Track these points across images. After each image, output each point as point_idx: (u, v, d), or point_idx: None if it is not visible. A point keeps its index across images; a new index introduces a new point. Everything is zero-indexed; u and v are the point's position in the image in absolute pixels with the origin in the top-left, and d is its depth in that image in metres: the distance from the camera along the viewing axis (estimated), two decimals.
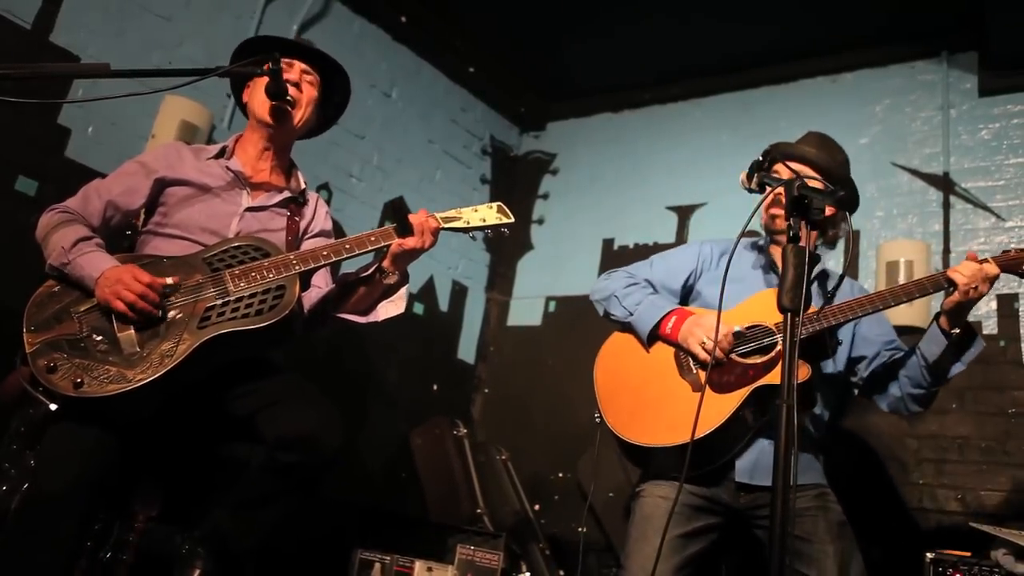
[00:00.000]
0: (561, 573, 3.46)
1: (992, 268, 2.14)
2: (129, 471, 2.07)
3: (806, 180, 1.73)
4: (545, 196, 5.10)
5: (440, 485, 3.82)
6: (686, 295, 2.55)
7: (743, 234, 1.81)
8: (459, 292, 4.75)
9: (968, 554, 2.46)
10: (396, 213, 2.15)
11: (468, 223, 2.28)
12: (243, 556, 2.05)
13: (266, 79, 2.19)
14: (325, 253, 2.13)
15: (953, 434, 3.32)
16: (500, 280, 4.99)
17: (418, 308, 4.46)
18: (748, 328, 2.28)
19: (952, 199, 3.70)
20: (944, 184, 3.74)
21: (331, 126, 2.58)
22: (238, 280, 2.05)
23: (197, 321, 1.97)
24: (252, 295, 2.03)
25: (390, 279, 2.23)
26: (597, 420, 2.37)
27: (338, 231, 3.19)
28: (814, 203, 1.67)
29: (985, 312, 3.46)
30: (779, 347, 2.21)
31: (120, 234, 2.27)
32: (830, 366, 2.35)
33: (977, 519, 2.93)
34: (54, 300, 1.98)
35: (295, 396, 2.12)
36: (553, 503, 4.15)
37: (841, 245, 3.73)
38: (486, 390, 4.78)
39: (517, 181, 5.21)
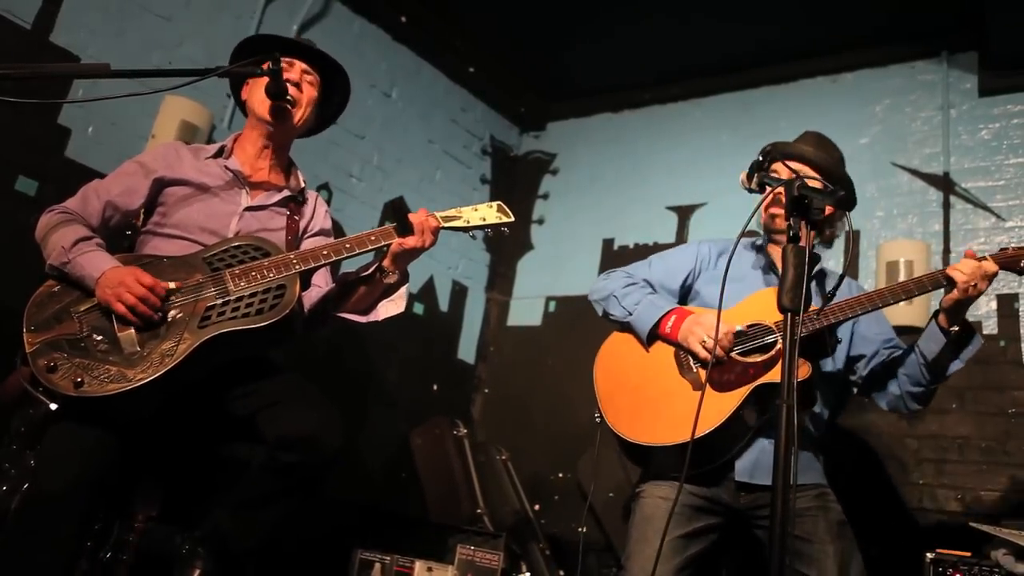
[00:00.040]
0: (561, 573, 3.46)
1: (991, 266, 2.14)
2: (129, 471, 2.07)
3: (806, 180, 1.73)
4: (545, 196, 5.10)
5: (440, 485, 3.82)
6: (684, 295, 2.56)
7: (743, 234, 1.81)
8: (459, 292, 4.75)
9: (968, 554, 2.45)
10: (396, 212, 2.15)
11: (468, 222, 2.28)
12: (243, 556, 2.05)
13: (266, 78, 2.19)
14: (325, 252, 2.13)
15: (953, 434, 3.32)
16: (500, 280, 4.99)
17: (418, 308, 4.46)
18: (748, 327, 2.28)
19: (952, 199, 3.71)
20: (944, 184, 3.74)
21: (329, 125, 2.58)
22: (238, 280, 2.05)
23: (197, 321, 1.97)
24: (252, 294, 2.03)
25: (390, 278, 2.23)
26: (597, 420, 2.37)
27: (338, 231, 3.19)
28: (814, 203, 1.67)
29: (985, 312, 3.46)
30: (779, 345, 2.21)
31: (120, 234, 2.27)
32: (829, 364, 2.35)
33: (977, 519, 2.93)
34: (54, 300, 1.98)
35: (296, 396, 2.12)
36: (553, 503, 4.15)
37: (841, 245, 3.76)
38: (486, 390, 4.78)
39: (517, 181, 5.21)
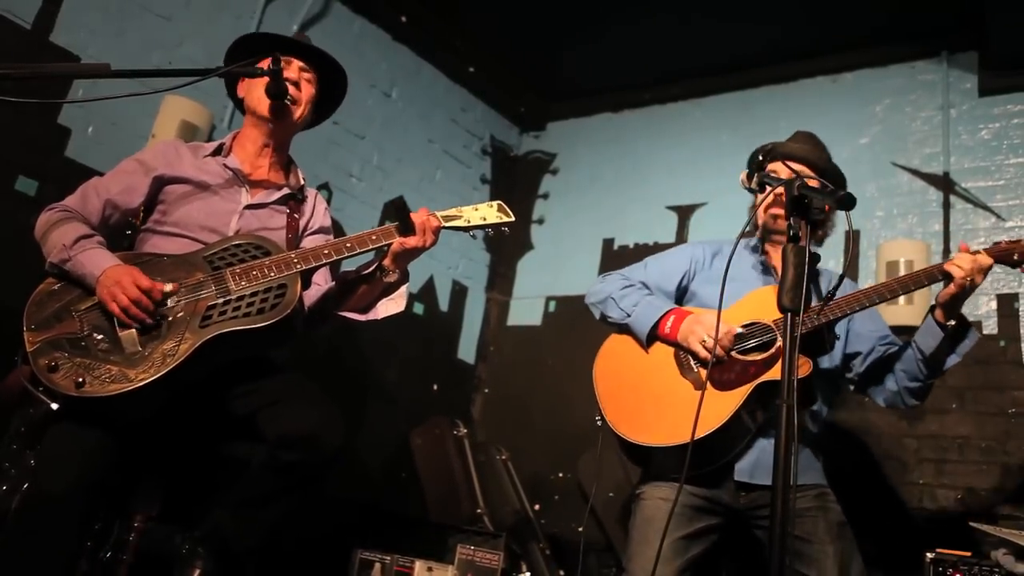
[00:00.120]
0: (561, 573, 3.46)
1: (986, 259, 2.17)
2: (130, 471, 2.07)
3: (806, 180, 1.73)
4: (545, 196, 5.10)
5: (440, 485, 3.82)
6: (680, 296, 2.57)
7: (743, 234, 1.81)
8: (459, 292, 4.75)
9: (968, 554, 2.46)
10: (398, 212, 2.15)
11: (469, 222, 2.28)
12: (244, 556, 2.05)
13: (264, 77, 2.19)
14: (326, 252, 2.13)
15: (953, 434, 3.32)
16: (500, 280, 4.99)
17: (418, 308, 4.46)
18: (747, 326, 2.29)
19: (952, 199, 3.71)
20: (944, 184, 3.74)
21: (325, 120, 2.58)
22: (239, 279, 2.05)
23: (199, 320, 1.96)
24: (253, 294, 2.02)
25: (390, 277, 2.24)
26: (598, 423, 2.37)
27: (338, 231, 3.19)
28: (814, 203, 1.68)
29: (985, 312, 3.46)
30: (779, 343, 2.22)
31: (120, 233, 2.27)
32: (826, 361, 2.36)
33: (977, 519, 2.93)
34: (54, 298, 1.97)
35: (296, 395, 2.12)
36: (553, 503, 4.15)
37: (841, 245, 3.77)
38: (486, 390, 4.78)
39: (517, 181, 5.21)
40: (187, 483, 2.26)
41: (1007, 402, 3.27)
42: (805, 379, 2.14)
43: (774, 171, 2.39)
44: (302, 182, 2.44)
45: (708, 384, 2.21)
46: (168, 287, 1.98)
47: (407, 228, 2.16)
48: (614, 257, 4.59)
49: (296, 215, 2.36)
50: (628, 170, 4.79)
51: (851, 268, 3.67)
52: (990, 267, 2.18)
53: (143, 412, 1.95)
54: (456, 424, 4.02)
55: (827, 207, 1.73)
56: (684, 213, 4.47)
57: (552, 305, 4.74)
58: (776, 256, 2.48)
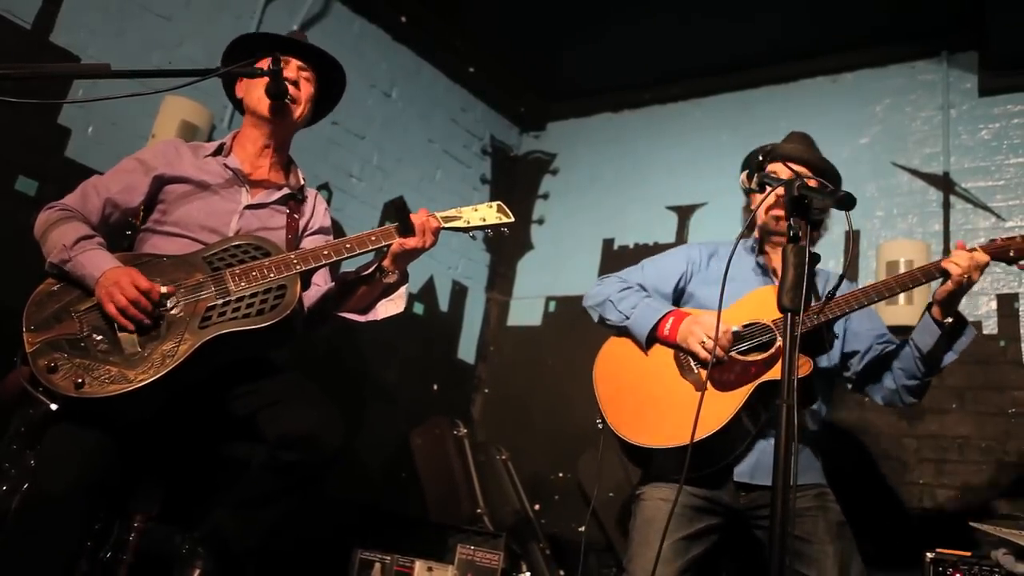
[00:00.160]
0: (561, 573, 3.46)
1: (982, 256, 2.19)
2: (130, 471, 2.07)
3: (806, 179, 1.73)
4: (545, 196, 5.10)
5: (440, 485, 3.82)
6: (677, 298, 2.57)
7: (742, 235, 1.81)
8: (459, 292, 4.75)
9: (968, 554, 2.46)
10: (398, 213, 2.15)
11: (468, 223, 2.28)
12: (243, 556, 2.05)
13: (264, 77, 2.19)
14: (326, 252, 2.13)
15: (953, 434, 3.32)
16: (500, 280, 4.99)
17: (418, 308, 4.46)
18: (745, 326, 2.29)
19: (952, 199, 3.71)
20: (944, 184, 3.74)
21: (324, 117, 2.57)
22: (239, 279, 2.05)
23: (198, 321, 1.96)
24: (253, 295, 2.02)
25: (390, 278, 2.23)
26: (599, 426, 2.37)
27: (338, 230, 3.19)
28: (814, 203, 1.68)
29: (985, 312, 3.46)
30: (779, 343, 2.23)
31: (120, 232, 2.27)
32: (824, 361, 2.37)
33: (977, 519, 2.93)
34: (54, 299, 1.97)
35: (296, 395, 2.12)
36: (553, 503, 4.15)
37: (841, 245, 3.77)
38: (486, 390, 4.78)
39: (517, 181, 5.21)
40: (187, 483, 2.26)
41: (1007, 402, 3.27)
42: (805, 378, 2.14)
43: (774, 172, 2.40)
44: (302, 182, 2.44)
45: (708, 385, 2.21)
46: (165, 289, 1.98)
47: (407, 229, 2.16)
48: (614, 257, 4.59)
49: (296, 215, 2.35)
50: (628, 170, 4.79)
51: (851, 268, 3.67)
52: (986, 264, 2.19)
53: (142, 413, 1.95)
54: (456, 424, 4.02)
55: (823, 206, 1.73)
56: (684, 213, 4.47)
57: (552, 305, 4.74)
58: (775, 257, 2.49)
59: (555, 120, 5.26)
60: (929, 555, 2.47)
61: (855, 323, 2.43)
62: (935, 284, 2.28)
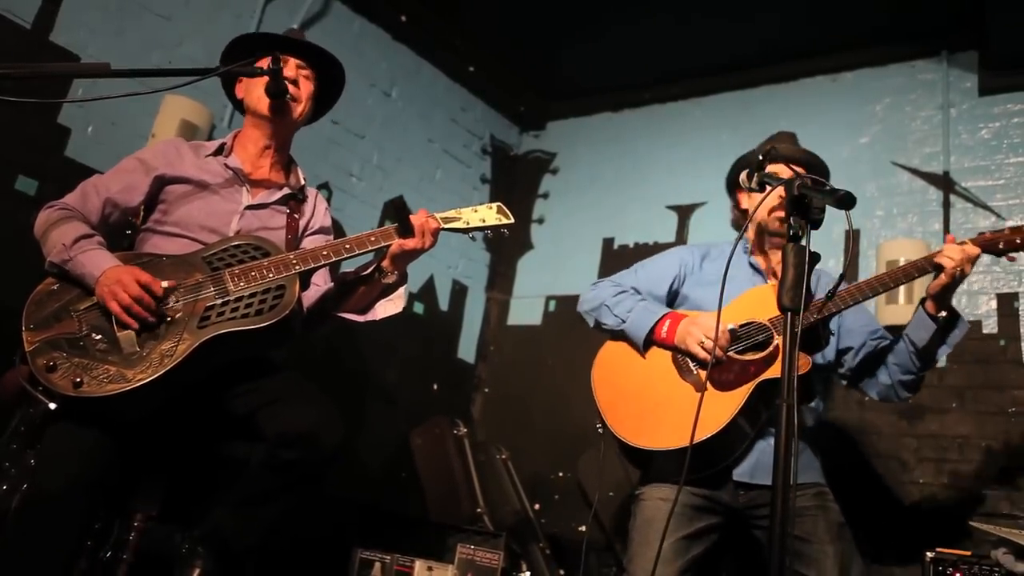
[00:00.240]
0: (561, 572, 3.46)
1: (973, 249, 2.20)
2: (129, 470, 2.07)
3: (806, 179, 1.73)
4: (545, 195, 5.10)
5: (440, 485, 3.82)
6: (671, 300, 2.58)
7: (741, 236, 1.81)
8: (459, 291, 4.75)
9: (968, 554, 2.46)
10: (397, 213, 2.15)
11: (468, 224, 2.28)
12: (243, 555, 2.05)
13: (263, 76, 2.19)
14: (325, 253, 2.13)
15: (953, 433, 3.32)
16: (500, 279, 4.99)
17: (418, 307, 4.46)
18: (742, 326, 2.30)
19: (952, 198, 3.70)
20: (944, 183, 3.74)
21: (324, 114, 2.57)
22: (238, 279, 2.05)
23: (197, 321, 1.96)
24: (252, 295, 2.02)
25: (389, 279, 2.24)
26: (599, 430, 2.37)
27: (338, 230, 3.19)
28: (814, 202, 1.68)
29: (985, 311, 3.46)
30: (776, 342, 2.24)
31: (120, 232, 2.27)
32: (819, 358, 2.38)
33: (977, 519, 2.93)
34: (53, 298, 1.97)
35: (295, 394, 2.12)
36: (553, 503, 4.15)
37: (841, 245, 3.77)
38: (486, 390, 4.78)
39: (517, 180, 5.21)
40: (187, 483, 2.26)
41: (1007, 401, 3.26)
42: (805, 376, 2.15)
43: (775, 172, 2.40)
44: (303, 182, 2.44)
45: (708, 385, 2.21)
46: (166, 283, 1.98)
47: (406, 230, 2.16)
48: (614, 257, 4.59)
49: (296, 215, 2.35)
50: (628, 170, 4.79)
51: (851, 267, 3.67)
52: (977, 256, 2.21)
53: (141, 412, 1.95)
54: (456, 424, 4.02)
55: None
56: (684, 213, 4.47)
57: (552, 305, 4.74)
58: (773, 257, 2.51)
59: (555, 119, 5.25)
60: (929, 555, 2.47)
61: (848, 320, 2.45)
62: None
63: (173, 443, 2.18)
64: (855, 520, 2.31)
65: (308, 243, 2.35)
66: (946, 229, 3.65)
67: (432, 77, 4.70)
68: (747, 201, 2.58)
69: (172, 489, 2.23)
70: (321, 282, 2.34)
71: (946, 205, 3.70)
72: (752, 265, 2.53)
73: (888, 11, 3.82)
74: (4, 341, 1.97)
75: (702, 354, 2.26)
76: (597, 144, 4.98)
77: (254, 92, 2.30)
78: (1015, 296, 3.43)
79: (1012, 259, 2.26)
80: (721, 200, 4.22)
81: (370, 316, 2.28)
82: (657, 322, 2.37)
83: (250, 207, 2.27)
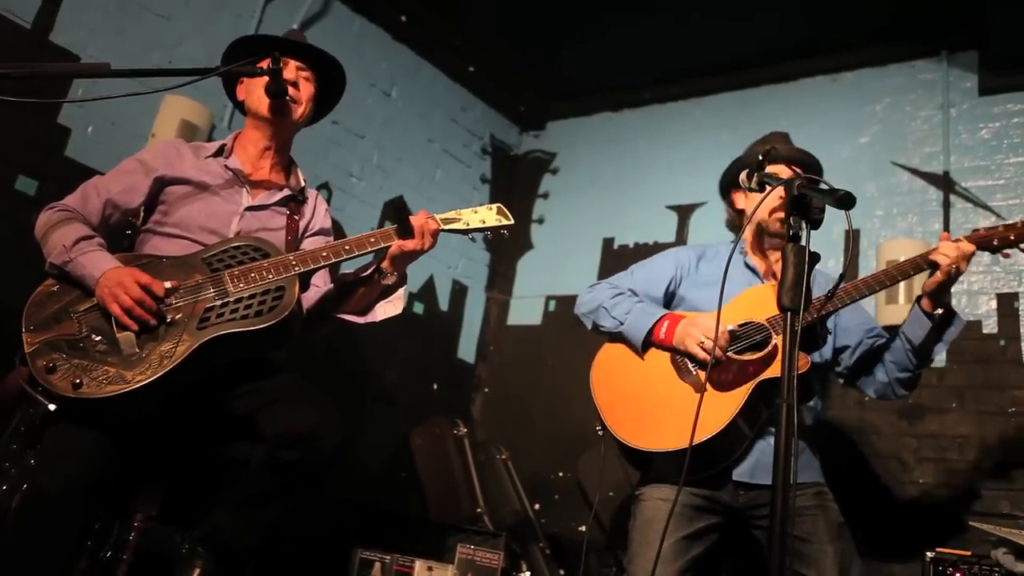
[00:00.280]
0: (561, 572, 3.46)
1: (968, 246, 2.22)
2: (129, 471, 2.07)
3: (806, 178, 1.73)
4: (545, 195, 5.10)
5: (440, 485, 3.81)
6: (668, 301, 2.58)
7: (741, 235, 1.81)
8: (459, 291, 4.75)
9: (968, 554, 2.46)
10: (397, 213, 2.15)
11: (468, 225, 2.28)
12: (243, 555, 2.05)
13: (263, 76, 2.19)
14: (325, 254, 2.13)
15: (953, 433, 3.32)
16: (500, 279, 4.99)
17: (418, 307, 4.46)
18: (740, 326, 2.31)
19: (952, 198, 3.70)
20: (944, 183, 3.74)
21: (325, 116, 2.57)
22: (237, 281, 2.05)
23: (196, 322, 1.96)
24: (251, 296, 2.02)
25: (388, 280, 2.24)
26: (599, 433, 2.37)
27: (338, 230, 3.18)
28: (814, 202, 1.68)
29: (985, 311, 3.46)
30: (774, 341, 2.24)
31: (120, 233, 2.27)
32: (816, 357, 2.38)
33: (977, 519, 2.93)
34: (53, 300, 1.97)
35: (295, 395, 2.12)
36: (553, 503, 4.15)
37: (841, 244, 3.77)
38: (486, 390, 4.78)
39: (517, 180, 5.21)
40: (187, 483, 2.26)
41: (1007, 401, 3.26)
42: (804, 375, 2.15)
43: (775, 173, 2.40)
44: (303, 184, 2.44)
45: (708, 385, 2.21)
46: (169, 284, 1.98)
47: (406, 231, 2.16)
48: (614, 256, 4.59)
49: (296, 217, 2.35)
50: (628, 169, 4.79)
51: (851, 267, 3.67)
52: (972, 253, 2.22)
53: (140, 413, 1.95)
54: (456, 424, 4.01)
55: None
56: (684, 213, 4.47)
57: (552, 304, 4.74)
58: (772, 257, 2.52)
59: (555, 119, 5.25)
60: (929, 555, 2.48)
61: (844, 319, 2.46)
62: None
63: (173, 444, 2.18)
64: (855, 520, 2.31)
65: (308, 244, 2.35)
66: (946, 229, 3.65)
67: (432, 77, 4.70)
68: (743, 201, 2.58)
69: (172, 489, 2.23)
70: (321, 283, 2.34)
71: (946, 205, 3.70)
72: (748, 265, 2.53)
73: (888, 11, 3.82)
74: (4, 342, 1.97)
75: (701, 355, 2.26)
76: (597, 144, 4.98)
77: (255, 93, 2.30)
78: (1015, 296, 3.43)
79: (1007, 255, 2.28)
80: (721, 200, 4.25)
81: (370, 318, 2.28)
82: (655, 323, 2.37)
83: (250, 208, 2.27)
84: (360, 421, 4.00)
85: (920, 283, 2.37)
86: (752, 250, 2.56)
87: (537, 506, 4.02)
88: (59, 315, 1.94)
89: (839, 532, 2.21)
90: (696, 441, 1.98)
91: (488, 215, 2.30)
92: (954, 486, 3.24)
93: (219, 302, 2.00)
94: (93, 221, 2.12)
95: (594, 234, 4.73)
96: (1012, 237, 2.22)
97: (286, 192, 2.35)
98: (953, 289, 3.46)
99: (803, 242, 1.64)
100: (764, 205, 2.38)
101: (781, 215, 2.40)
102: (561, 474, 4.19)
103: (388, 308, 2.28)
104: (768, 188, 2.03)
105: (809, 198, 1.67)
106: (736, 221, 2.65)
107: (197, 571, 1.99)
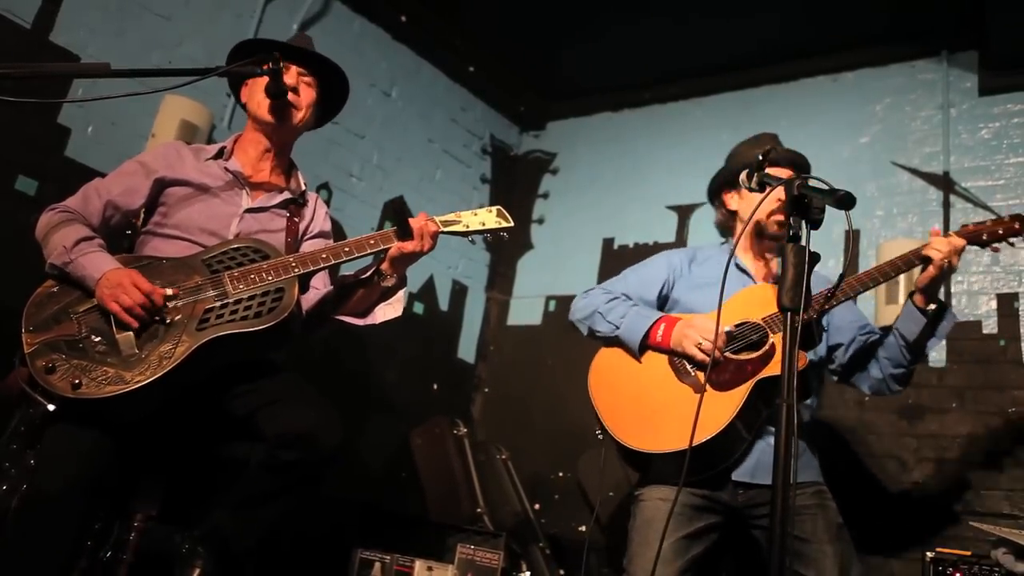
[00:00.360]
0: (561, 572, 3.46)
1: (959, 240, 2.25)
2: (129, 471, 2.07)
3: (807, 178, 1.73)
4: (545, 195, 5.10)
5: (440, 485, 3.82)
6: (661, 305, 2.59)
7: (738, 239, 1.81)
8: (459, 291, 4.75)
9: (968, 553, 2.46)
10: (397, 215, 2.15)
11: (467, 227, 2.28)
12: (243, 555, 2.05)
13: (264, 79, 2.19)
14: (324, 256, 2.13)
15: (953, 433, 3.32)
16: (500, 279, 4.99)
17: (418, 307, 4.46)
18: (736, 326, 2.31)
19: (952, 198, 3.70)
20: (944, 183, 3.74)
21: (328, 121, 2.57)
22: (237, 282, 2.05)
23: (196, 323, 1.97)
24: (251, 297, 2.03)
25: (388, 282, 2.23)
26: (599, 436, 2.37)
27: (338, 230, 3.19)
28: (814, 202, 1.67)
29: (985, 312, 3.46)
30: (771, 340, 2.25)
31: (120, 234, 2.27)
32: (811, 355, 2.39)
33: (977, 519, 2.93)
34: (53, 300, 1.98)
35: (294, 395, 2.12)
36: (553, 502, 4.15)
37: (841, 245, 3.77)
38: (486, 390, 4.78)
39: (517, 180, 5.21)
40: (187, 483, 2.26)
41: (1007, 402, 3.26)
42: (802, 372, 2.16)
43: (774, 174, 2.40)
44: (303, 186, 2.44)
45: (707, 386, 2.21)
46: (169, 291, 1.98)
47: (405, 233, 2.16)
48: (614, 257, 4.59)
49: (296, 219, 2.36)
50: (628, 170, 4.79)
51: (851, 268, 3.67)
52: (963, 248, 2.25)
53: (139, 413, 1.95)
54: (456, 424, 4.01)
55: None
56: (684, 213, 4.47)
57: (552, 304, 4.73)
58: (762, 259, 2.53)
59: (555, 119, 5.25)
60: (929, 555, 2.48)
61: (837, 317, 2.48)
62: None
63: (173, 444, 2.18)
64: (855, 520, 2.31)
65: (308, 247, 2.35)
66: (946, 229, 3.65)
67: (432, 77, 4.70)
68: (735, 203, 2.59)
69: (172, 489, 2.23)
70: (320, 285, 2.34)
71: (946, 205, 3.70)
72: (739, 266, 2.54)
73: (888, 11, 3.82)
74: (4, 342, 1.97)
75: (700, 355, 2.26)
76: (597, 144, 4.98)
77: (256, 96, 2.30)
78: (1015, 296, 3.43)
79: (996, 250, 2.31)
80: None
81: (369, 320, 2.29)
82: (651, 326, 2.38)
83: (250, 210, 2.28)
84: (360, 421, 4.00)
85: None
86: (746, 251, 2.56)
87: (537, 506, 4.02)
88: (59, 316, 1.95)
89: (839, 532, 2.21)
90: (697, 441, 1.99)
91: (488, 217, 2.31)
92: (954, 486, 3.24)
93: (219, 303, 2.01)
94: (94, 222, 2.12)
95: (594, 234, 4.73)
96: (1001, 231, 2.27)
97: (286, 195, 2.35)
98: (953, 289, 3.52)
99: (803, 242, 1.64)
100: (762, 207, 2.38)
101: (779, 218, 2.41)
102: (561, 474, 4.19)
103: (388, 310, 2.28)
104: (768, 188, 2.03)
105: (809, 198, 1.67)
106: (728, 222, 2.65)
107: (197, 571, 1.99)
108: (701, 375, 2.28)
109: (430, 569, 2.96)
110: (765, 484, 2.18)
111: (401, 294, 2.29)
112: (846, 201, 1.66)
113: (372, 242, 2.18)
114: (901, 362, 2.36)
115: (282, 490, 2.04)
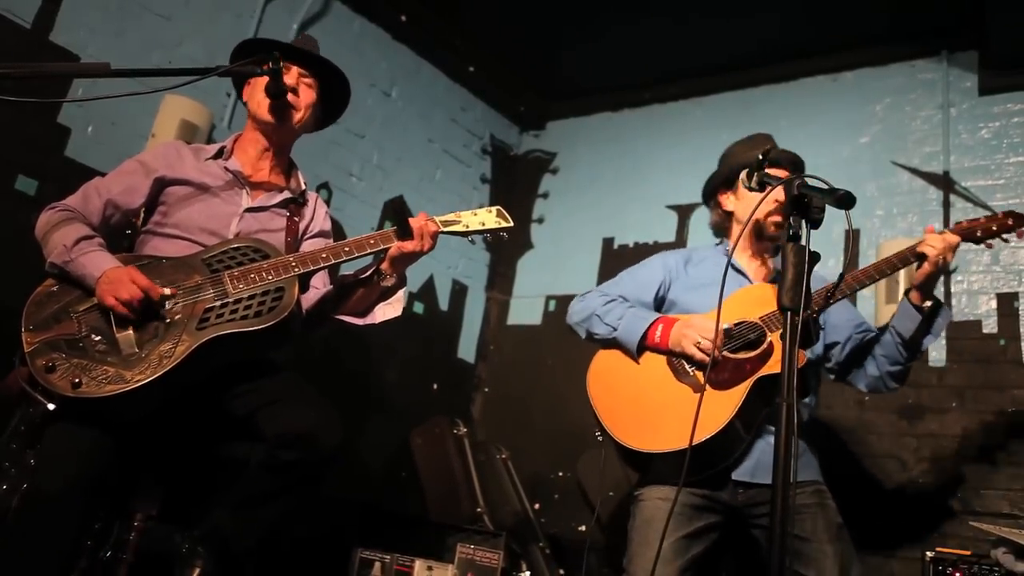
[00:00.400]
0: (561, 572, 3.46)
1: (953, 237, 2.26)
2: (129, 470, 2.07)
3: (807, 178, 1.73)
4: (545, 195, 5.10)
5: (440, 484, 3.82)
6: (658, 306, 2.59)
7: (740, 236, 1.81)
8: (459, 291, 4.75)
9: (968, 553, 2.46)
10: (397, 215, 2.15)
11: (467, 227, 2.28)
12: (243, 555, 2.05)
13: (265, 78, 2.19)
14: (324, 255, 2.13)
15: (953, 433, 3.32)
16: (500, 279, 4.99)
17: (418, 307, 4.46)
18: (734, 325, 2.32)
19: (952, 198, 3.70)
20: (944, 183, 3.74)
21: (330, 124, 2.58)
22: (237, 282, 2.05)
23: (196, 322, 1.97)
24: (251, 297, 2.03)
25: (388, 281, 2.23)
26: (599, 438, 2.37)
27: (338, 230, 3.19)
28: (814, 202, 1.68)
29: (985, 311, 3.46)
30: (769, 338, 2.26)
31: (120, 233, 2.27)
32: (808, 353, 2.38)
33: (977, 519, 2.93)
34: (53, 299, 1.98)
35: (294, 395, 2.12)
36: (553, 502, 4.15)
37: (841, 244, 3.77)
38: (486, 389, 4.78)
39: (517, 180, 5.21)
40: (187, 483, 2.26)
41: (1007, 401, 3.26)
42: (801, 370, 2.15)
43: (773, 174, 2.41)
44: (303, 186, 2.44)
45: (707, 385, 2.21)
46: (167, 291, 1.98)
47: (405, 232, 2.16)
48: (614, 256, 4.59)
49: (296, 218, 2.36)
50: (628, 169, 4.79)
51: (851, 267, 3.66)
52: (958, 244, 2.26)
53: (139, 413, 1.95)
54: (456, 424, 4.02)
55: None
56: (684, 212, 4.47)
57: (552, 304, 4.73)
58: (760, 259, 2.54)
59: (555, 119, 5.25)
60: (929, 554, 2.48)
61: (833, 315, 2.48)
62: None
63: (173, 444, 2.18)
64: (855, 520, 2.31)
65: (307, 246, 2.35)
66: (946, 229, 3.65)
67: (432, 77, 4.70)
68: (732, 203, 2.60)
69: (172, 489, 2.23)
70: (320, 285, 2.34)
71: (946, 205, 3.70)
72: (735, 266, 2.54)
73: (888, 11, 3.82)
74: (5, 342, 1.97)
75: (698, 355, 2.26)
76: (597, 144, 4.98)
77: (256, 96, 2.30)
78: (1015, 296, 3.43)
79: (990, 246, 2.32)
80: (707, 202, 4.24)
81: (369, 319, 2.29)
82: (649, 327, 2.38)
83: (249, 210, 2.28)
84: (360, 421, 4.00)
85: None
86: (742, 251, 2.56)
87: (537, 506, 4.02)
88: (59, 315, 1.95)
89: (838, 532, 2.21)
90: (697, 441, 1.98)
91: (488, 217, 2.31)
92: (954, 486, 3.24)
93: (219, 303, 2.01)
94: (94, 221, 2.12)
95: (594, 234, 4.73)
96: (995, 227, 2.28)
97: (286, 194, 2.35)
98: (953, 289, 3.52)
99: (803, 242, 1.64)
100: (760, 208, 2.38)
101: (776, 219, 2.42)
102: (561, 474, 4.19)
103: (387, 310, 2.28)
104: (768, 188, 2.03)
105: (809, 198, 1.67)
106: (724, 223, 2.66)
107: (197, 571, 1.99)
108: (700, 375, 2.28)
109: (430, 569, 2.96)
110: (765, 483, 2.18)
111: (401, 294, 2.29)
112: (846, 201, 1.67)
113: (372, 242, 2.18)
114: (898, 360, 2.37)
115: (282, 490, 2.04)
